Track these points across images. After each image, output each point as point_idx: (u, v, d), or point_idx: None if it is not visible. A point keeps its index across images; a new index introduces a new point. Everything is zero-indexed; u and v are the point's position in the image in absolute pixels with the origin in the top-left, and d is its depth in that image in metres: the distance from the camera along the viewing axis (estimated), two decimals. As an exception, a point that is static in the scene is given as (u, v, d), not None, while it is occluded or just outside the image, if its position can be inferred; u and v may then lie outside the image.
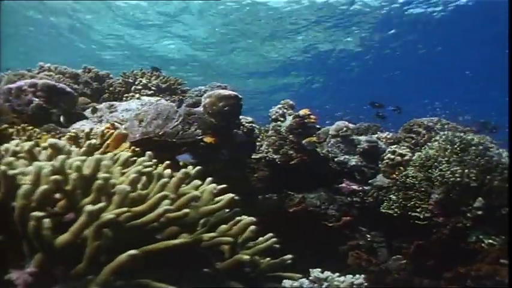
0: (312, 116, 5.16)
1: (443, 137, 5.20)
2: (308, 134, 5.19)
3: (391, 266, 5.23)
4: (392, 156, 5.28)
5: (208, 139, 3.98)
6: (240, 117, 4.80)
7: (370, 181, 5.39)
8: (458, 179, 4.63)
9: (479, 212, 4.63)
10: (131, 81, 5.44)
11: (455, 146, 5.03)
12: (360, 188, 5.42)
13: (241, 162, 4.50)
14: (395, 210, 4.80)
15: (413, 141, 5.75)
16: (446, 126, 5.84)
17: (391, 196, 4.92)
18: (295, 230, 4.91)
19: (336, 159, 5.60)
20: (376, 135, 6.14)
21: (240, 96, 4.31)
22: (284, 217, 5.02)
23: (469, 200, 4.70)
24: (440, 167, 4.90)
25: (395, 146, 5.46)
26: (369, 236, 5.39)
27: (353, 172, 5.56)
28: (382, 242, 5.42)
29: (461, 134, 5.18)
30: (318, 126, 5.29)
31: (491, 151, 5.15)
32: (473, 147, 4.92)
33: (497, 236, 4.70)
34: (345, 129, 5.57)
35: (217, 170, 4.23)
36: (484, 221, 4.73)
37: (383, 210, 4.86)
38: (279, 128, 5.28)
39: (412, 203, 4.81)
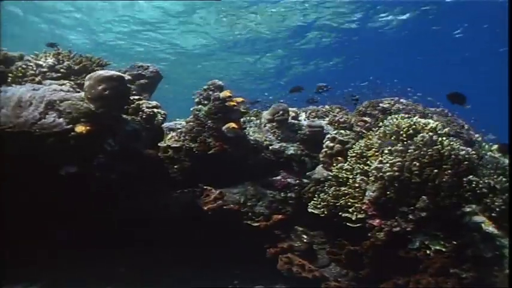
0: (234, 98, 4.38)
1: (390, 120, 4.31)
2: (230, 119, 4.42)
3: (330, 272, 4.48)
4: (331, 144, 4.45)
5: (80, 128, 3.31)
6: (142, 101, 4.09)
7: (308, 173, 4.59)
8: (396, 173, 3.78)
9: (423, 214, 3.78)
10: (41, 63, 4.80)
11: (402, 133, 4.15)
12: (297, 181, 4.64)
13: (135, 154, 3.82)
14: (322, 210, 4.01)
15: (366, 125, 4.86)
16: (406, 108, 4.90)
17: (321, 193, 4.12)
18: (209, 232, 4.22)
19: (270, 148, 4.81)
20: (327, 120, 5.27)
21: (127, 77, 3.59)
22: (198, 217, 4.33)
23: (411, 199, 3.85)
24: (380, 158, 4.05)
25: (335, 132, 4.60)
26: (305, 236, 4.63)
27: (291, 162, 4.76)
28: (324, 244, 4.66)
29: (414, 117, 4.27)
30: (244, 109, 4.50)
31: (451, 140, 4.24)
32: (422, 134, 4.02)
33: (447, 241, 3.87)
34: (281, 112, 4.75)
35: (101, 163, 3.58)
36: (429, 224, 3.89)
37: (309, 210, 4.08)
38: (197, 112, 4.54)
39: (342, 201, 3.99)
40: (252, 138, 4.74)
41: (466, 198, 4.04)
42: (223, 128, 4.34)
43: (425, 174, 3.87)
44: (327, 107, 6.18)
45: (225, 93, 4.36)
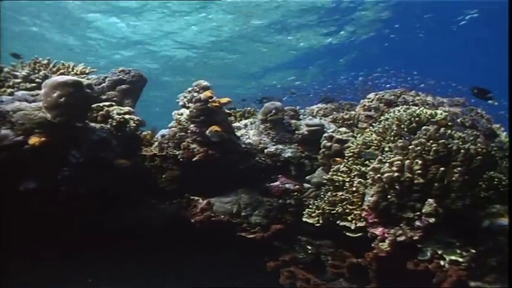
0: (217, 99, 4.01)
1: (392, 113, 3.83)
2: (214, 122, 4.06)
3: (340, 285, 4.03)
4: (329, 144, 4.00)
5: (34, 140, 3.03)
6: (113, 107, 3.78)
7: (307, 177, 4.17)
8: (395, 173, 3.30)
9: (431, 220, 3.29)
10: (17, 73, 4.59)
11: (403, 126, 3.66)
12: (296, 186, 4.21)
13: (105, 165, 3.51)
14: (317, 219, 3.57)
15: (371, 121, 4.39)
16: (413, 100, 4.38)
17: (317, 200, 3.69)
18: (198, 247, 3.87)
19: (266, 151, 4.40)
20: (331, 117, 4.81)
21: (87, 81, 3.28)
22: (185, 230, 3.99)
23: (416, 203, 3.36)
24: (379, 157, 3.58)
25: (332, 130, 4.15)
26: (310, 247, 4.19)
27: (289, 166, 4.35)
28: (332, 255, 4.20)
29: (418, 109, 3.77)
30: (229, 110, 4.12)
31: (464, 132, 3.74)
32: (426, 127, 3.53)
33: (465, 249, 3.37)
34: (274, 111, 4.33)
35: (65, 176, 3.29)
36: (441, 230, 3.39)
37: (303, 219, 3.65)
38: (179, 116, 4.20)
39: (339, 208, 3.54)
40: (245, 141, 4.35)
41: (488, 198, 3.53)
42: (207, 131, 3.97)
43: (430, 174, 3.37)
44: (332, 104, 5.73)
45: (206, 94, 3.99)
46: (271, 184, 4.26)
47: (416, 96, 4.55)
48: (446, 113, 4.00)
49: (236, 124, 5.04)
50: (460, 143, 3.57)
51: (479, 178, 3.58)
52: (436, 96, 4.75)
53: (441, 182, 3.35)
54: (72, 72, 4.67)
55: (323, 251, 4.11)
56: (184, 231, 3.92)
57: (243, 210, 4.10)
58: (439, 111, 3.96)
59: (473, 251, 3.30)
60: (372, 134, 3.72)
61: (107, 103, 3.89)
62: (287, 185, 4.20)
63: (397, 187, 3.35)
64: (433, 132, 3.54)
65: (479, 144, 3.74)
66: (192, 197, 4.05)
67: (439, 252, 3.35)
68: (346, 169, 3.60)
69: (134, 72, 4.67)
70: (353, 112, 4.80)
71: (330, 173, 3.70)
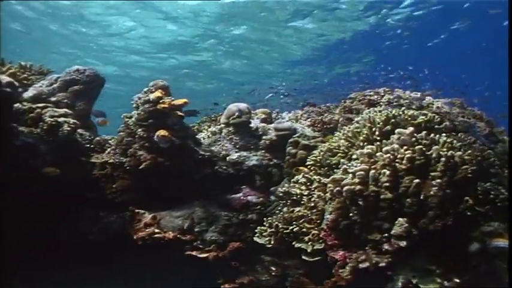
0: (168, 100, 3.54)
1: (364, 115, 3.26)
2: (165, 126, 3.59)
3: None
4: (294, 151, 3.46)
5: None
6: (46, 110, 3.36)
7: (272, 189, 3.63)
8: (357, 186, 2.73)
9: (402, 243, 2.71)
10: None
11: (375, 130, 3.08)
12: (260, 199, 3.68)
13: (31, 173, 3.08)
14: (268, 239, 3.03)
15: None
16: (398, 100, 3.77)
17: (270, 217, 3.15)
18: (138, 270, 3.38)
19: (228, 158, 3.89)
20: (309, 120, 4.25)
21: (7, 79, 2.87)
22: (128, 249, 3.52)
23: (384, 223, 2.78)
24: (344, 166, 3.01)
25: (298, 135, 3.59)
26: (275, 268, 3.64)
27: (254, 176, 3.82)
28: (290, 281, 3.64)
29: (393, 110, 3.19)
30: (181, 113, 3.64)
31: (453, 137, 3.15)
32: (400, 130, 2.95)
33: (448, 277, 2.80)
34: (237, 114, 3.82)
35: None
36: (416, 254, 2.81)
37: (255, 239, 3.11)
38: (127, 119, 3.74)
39: (296, 227, 2.99)
40: (205, 147, 3.85)
41: (483, 214, 2.95)
42: (155, 136, 3.50)
43: (402, 187, 2.78)
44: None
45: (156, 94, 3.52)
46: (233, 196, 3.74)
47: (404, 95, 3.93)
48: (433, 115, 3.39)
49: (212, 129, 4.57)
50: (445, 149, 2.97)
51: (471, 190, 2.97)
52: (430, 95, 4.12)
53: (415, 197, 2.76)
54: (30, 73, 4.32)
55: (290, 272, 3.55)
56: (126, 250, 3.44)
57: (196, 226, 3.60)
58: (424, 112, 3.36)
59: (458, 280, 2.71)
60: (340, 139, 3.15)
61: (40, 104, 3.47)
62: (249, 198, 3.68)
63: (360, 203, 2.78)
64: (409, 136, 2.94)
65: (469, 151, 3.14)
66: (137, 211, 3.57)
67: (414, 281, 2.78)
68: (306, 180, 3.04)
69: (89, 72, 4.25)
70: (333, 115, 4.23)
71: (286, 185, 3.15)
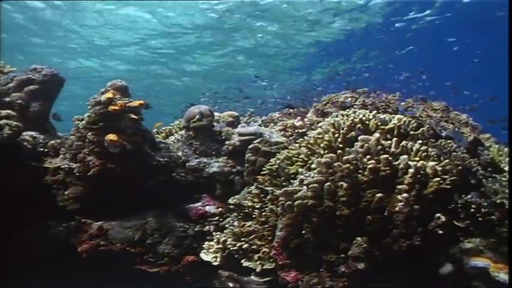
0: (118, 102, 3.25)
1: (328, 119, 2.94)
2: (116, 129, 3.30)
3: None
4: (253, 158, 3.14)
5: None
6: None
7: (231, 199, 3.32)
8: (310, 201, 2.40)
9: (360, 265, 2.38)
10: None
11: (337, 136, 2.75)
12: (219, 209, 3.37)
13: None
14: (215, 256, 2.71)
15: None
16: (373, 102, 3.43)
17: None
18: (83, 281, 3.10)
19: (187, 165, 3.59)
20: (280, 124, 3.93)
21: None
22: (75, 260, 3.23)
23: (341, 242, 2.46)
24: (301, 177, 2.68)
25: (258, 140, 3.27)
26: (232, 284, 3.31)
27: (214, 183, 3.51)
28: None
29: (367, 113, 2.85)
30: (136, 116, 3.35)
31: (426, 145, 2.82)
32: (364, 137, 2.62)
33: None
34: (197, 116, 3.51)
35: None
36: (378, 278, 2.48)
37: (201, 255, 2.80)
38: (79, 122, 3.46)
39: (245, 244, 2.67)
40: (163, 153, 3.55)
41: (464, 230, 2.64)
42: (105, 140, 3.21)
43: (363, 202, 2.45)
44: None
45: (107, 95, 3.23)
46: (190, 206, 3.44)
47: (382, 97, 3.59)
48: (409, 119, 3.05)
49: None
50: (417, 158, 2.65)
51: (448, 204, 2.64)
52: (413, 99, 3.77)
53: (378, 213, 2.43)
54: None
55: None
56: (72, 263, 3.16)
57: (149, 237, 3.29)
58: (397, 117, 3.02)
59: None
60: (300, 147, 2.83)
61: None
62: (207, 208, 3.36)
63: (313, 219, 2.45)
64: (374, 143, 2.61)
65: (447, 161, 2.81)
66: (84, 220, 3.29)
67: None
68: (259, 192, 2.72)
69: (47, 71, 3.98)
70: (307, 119, 3.90)
71: (238, 196, 2.83)
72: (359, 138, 2.62)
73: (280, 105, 5.49)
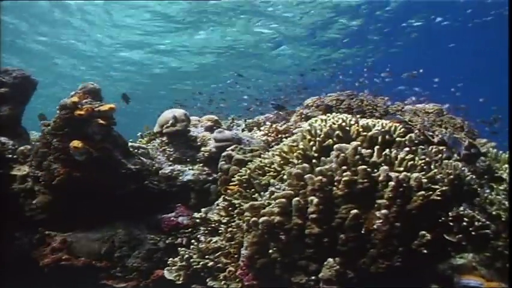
0: (85, 106, 3.04)
1: (305, 124, 2.70)
2: (82, 135, 3.09)
3: None
4: (226, 166, 2.91)
5: None
6: None
7: (204, 209, 3.10)
8: (276, 217, 2.16)
9: (329, 289, 2.15)
10: None
11: (313, 144, 2.51)
12: (192, 220, 3.15)
13: None
14: (177, 275, 2.48)
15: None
16: (358, 105, 3.16)
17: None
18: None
19: (160, 173, 3.37)
20: (263, 129, 3.69)
21: None
22: (37, 275, 3.04)
23: (311, 263, 2.22)
24: (272, 189, 2.45)
25: (232, 147, 3.04)
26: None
27: (189, 192, 3.29)
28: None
29: (348, 118, 2.60)
30: (104, 121, 3.14)
31: (413, 153, 2.57)
32: (340, 146, 2.38)
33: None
34: (171, 121, 3.29)
35: None
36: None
37: (164, 273, 2.58)
38: (44, 127, 3.27)
39: (210, 261, 2.44)
40: (136, 160, 3.33)
41: (455, 244, 2.40)
42: (70, 147, 3.01)
43: (337, 218, 2.20)
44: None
45: (73, 99, 3.03)
46: (163, 216, 3.22)
47: (369, 100, 3.32)
48: (395, 124, 2.80)
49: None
50: (401, 168, 2.41)
51: (439, 217, 2.41)
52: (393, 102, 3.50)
53: (353, 231, 2.18)
54: None
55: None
56: (35, 278, 2.96)
57: (117, 250, 3.08)
58: (382, 122, 2.77)
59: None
60: (273, 155, 2.59)
61: None
62: (180, 218, 3.14)
63: (281, 237, 2.21)
64: (351, 153, 2.36)
65: (435, 171, 2.57)
66: (47, 232, 3.09)
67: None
68: (226, 205, 2.49)
69: (17, 73, 3.79)
70: (290, 123, 3.65)
71: (204, 209, 2.61)
72: (334, 147, 2.37)
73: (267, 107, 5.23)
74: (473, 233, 2.41)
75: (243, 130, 3.90)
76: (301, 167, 2.34)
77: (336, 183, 2.28)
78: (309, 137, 2.60)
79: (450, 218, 2.42)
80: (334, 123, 2.59)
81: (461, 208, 2.56)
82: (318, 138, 2.53)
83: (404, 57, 12.68)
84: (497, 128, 3.80)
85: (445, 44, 12.96)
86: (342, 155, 2.36)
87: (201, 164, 3.38)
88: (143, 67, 15.62)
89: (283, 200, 2.18)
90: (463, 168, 2.91)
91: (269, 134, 3.65)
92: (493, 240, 2.48)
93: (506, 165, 3.29)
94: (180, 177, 3.34)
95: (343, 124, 2.62)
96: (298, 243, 2.20)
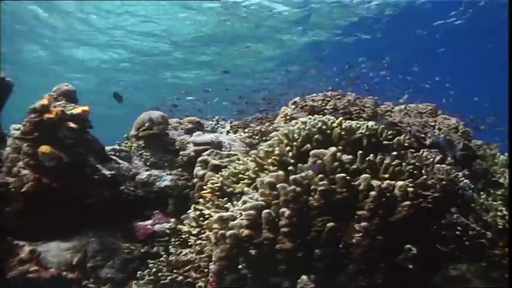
0: (54, 109, 2.88)
1: (283, 128, 2.51)
2: (53, 140, 2.93)
3: None
4: (202, 172, 2.74)
5: None
6: None
7: (182, 217, 2.93)
8: (245, 231, 1.99)
9: (306, 308, 1.96)
10: None
11: (289, 149, 2.33)
12: (170, 227, 2.98)
13: None
14: (145, 290, 2.32)
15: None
16: (345, 106, 2.96)
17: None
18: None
19: (136, 178, 3.20)
20: (247, 131, 3.51)
21: None
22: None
23: (284, 280, 2.04)
24: (245, 198, 2.27)
25: (208, 152, 2.86)
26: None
27: (166, 199, 3.12)
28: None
29: (330, 120, 2.41)
30: (76, 125, 2.97)
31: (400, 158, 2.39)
32: (317, 152, 2.19)
33: None
34: (147, 124, 3.12)
35: None
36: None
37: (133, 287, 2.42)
38: (15, 131, 3.11)
39: (179, 276, 2.27)
40: (113, 165, 3.18)
41: (449, 254, 2.24)
42: (39, 153, 2.85)
43: (312, 232, 2.02)
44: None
45: (42, 102, 2.87)
46: (139, 224, 3.06)
47: (357, 101, 3.12)
48: (382, 126, 2.61)
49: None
50: (387, 175, 2.23)
51: (430, 226, 2.25)
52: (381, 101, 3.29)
53: (329, 246, 2.00)
54: None
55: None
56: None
57: (90, 260, 2.93)
58: (367, 124, 2.58)
59: None
60: (247, 161, 2.41)
61: None
62: (157, 226, 2.97)
63: (251, 252, 2.02)
64: (329, 159, 2.17)
65: (425, 176, 2.40)
66: (15, 242, 2.93)
67: None
68: (197, 215, 2.31)
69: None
70: (276, 125, 3.46)
71: (173, 219, 2.44)
72: (311, 153, 2.18)
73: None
74: (467, 242, 2.26)
75: (228, 132, 3.72)
76: (274, 175, 2.15)
77: (312, 193, 2.09)
78: (285, 141, 2.41)
79: (443, 227, 2.26)
80: (313, 127, 2.40)
81: (455, 216, 2.42)
82: (295, 143, 2.34)
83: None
84: (494, 126, 3.60)
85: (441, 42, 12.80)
86: (319, 162, 2.17)
87: (179, 169, 3.21)
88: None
89: (252, 211, 1.99)
90: (456, 173, 2.73)
91: (253, 137, 3.47)
92: (489, 250, 2.34)
93: (505, 169, 3.09)
94: (158, 183, 3.17)
95: (324, 127, 2.43)
96: (270, 258, 2.01)
